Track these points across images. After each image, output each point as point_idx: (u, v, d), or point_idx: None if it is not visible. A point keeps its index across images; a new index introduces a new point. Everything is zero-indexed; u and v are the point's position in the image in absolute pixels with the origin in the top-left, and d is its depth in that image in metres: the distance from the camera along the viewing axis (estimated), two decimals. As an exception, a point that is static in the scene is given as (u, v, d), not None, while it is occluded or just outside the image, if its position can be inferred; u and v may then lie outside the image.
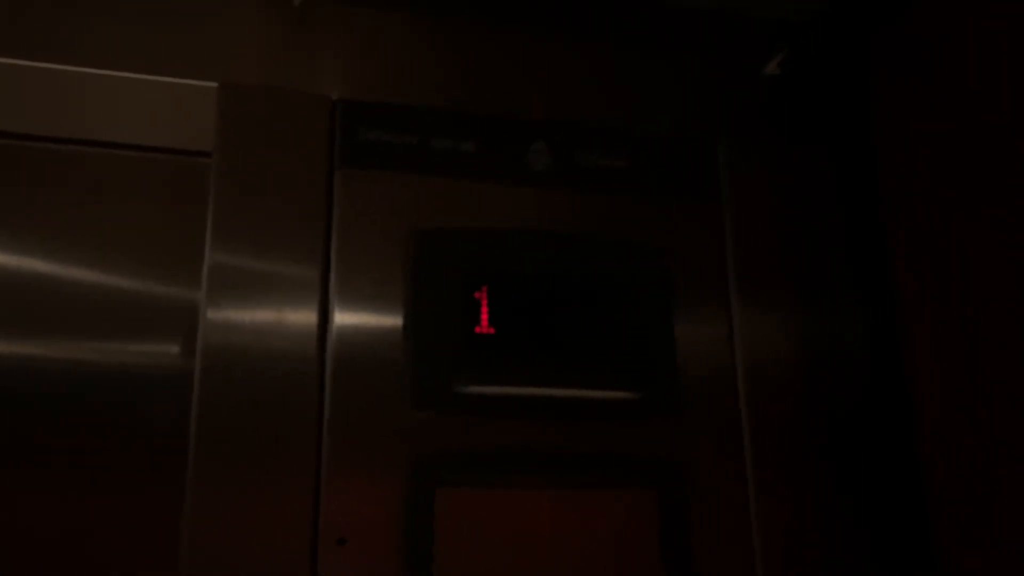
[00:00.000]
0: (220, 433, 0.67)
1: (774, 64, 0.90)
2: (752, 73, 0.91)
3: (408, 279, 0.73)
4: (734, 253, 0.82)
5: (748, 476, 0.76)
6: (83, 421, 0.67)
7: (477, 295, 0.75)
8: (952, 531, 0.73)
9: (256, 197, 0.72)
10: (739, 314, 0.80)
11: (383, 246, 0.74)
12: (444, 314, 0.74)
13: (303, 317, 0.71)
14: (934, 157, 0.77)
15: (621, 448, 0.75)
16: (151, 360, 0.70)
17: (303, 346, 0.70)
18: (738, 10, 0.90)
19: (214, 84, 0.74)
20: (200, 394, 0.67)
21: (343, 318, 0.71)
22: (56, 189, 0.71)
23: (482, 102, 0.83)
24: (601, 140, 0.82)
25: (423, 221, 0.75)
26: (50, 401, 0.67)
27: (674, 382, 0.77)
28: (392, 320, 0.72)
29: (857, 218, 0.85)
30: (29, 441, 0.66)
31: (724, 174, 0.84)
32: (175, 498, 0.65)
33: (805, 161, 0.87)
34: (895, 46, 0.83)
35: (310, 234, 0.73)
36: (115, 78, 0.75)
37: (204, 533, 0.65)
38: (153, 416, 0.68)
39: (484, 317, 0.74)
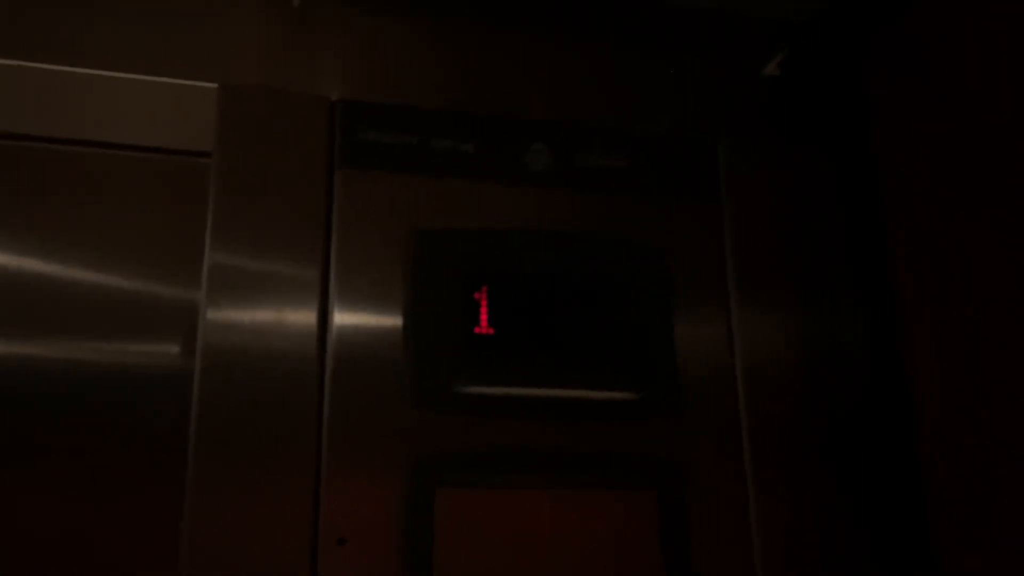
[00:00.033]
0: (220, 433, 0.67)
1: (774, 64, 0.90)
2: (752, 73, 0.91)
3: (408, 279, 0.73)
4: (734, 253, 0.82)
5: (748, 476, 0.76)
6: (83, 421, 0.67)
7: (477, 295, 0.75)
8: (952, 531, 0.73)
9: (256, 197, 0.72)
10: (739, 314, 0.80)
11: (383, 246, 0.74)
12: (444, 314, 0.74)
13: (303, 317, 0.71)
14: (934, 157, 0.77)
15: (621, 448, 0.75)
16: (151, 360, 0.70)
17: (303, 346, 0.70)
18: (738, 10, 0.90)
19: (214, 85, 0.75)
20: (200, 394, 0.67)
21: (343, 318, 0.71)
22: (56, 189, 0.71)
23: (481, 102, 0.83)
24: (601, 140, 0.82)
25: (423, 221, 0.75)
26: (50, 401, 0.67)
27: (674, 382, 0.77)
28: (392, 320, 0.72)
29: (857, 218, 0.85)
30: (29, 441, 0.66)
31: (724, 174, 0.84)
32: (175, 498, 0.65)
33: (805, 161, 0.87)
34: (895, 46, 0.83)
35: (310, 234, 0.73)
36: (115, 79, 0.75)
37: (204, 533, 0.65)
38: (153, 416, 0.69)
39: (484, 317, 0.74)
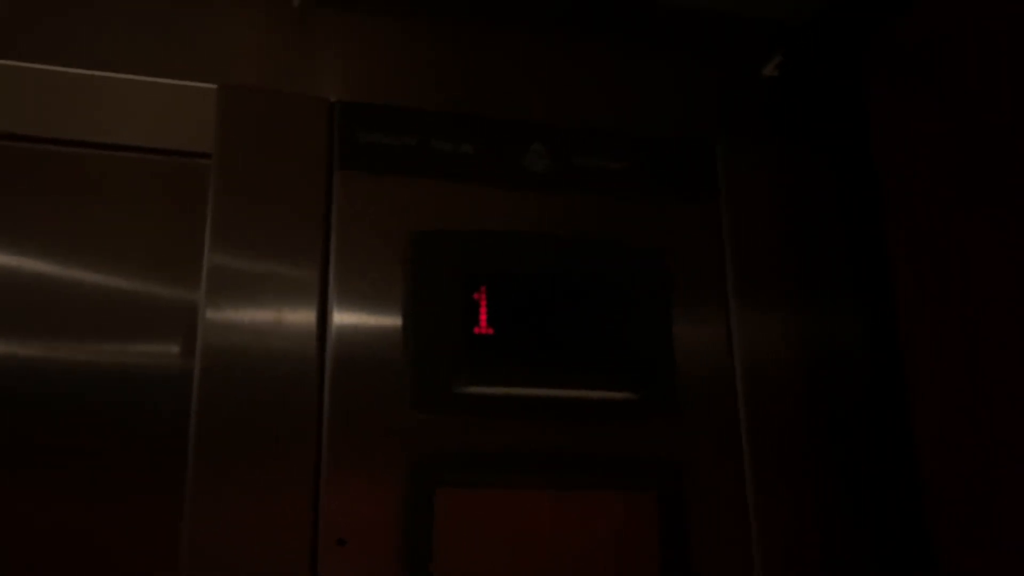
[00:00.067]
0: (220, 433, 0.67)
1: (772, 65, 0.91)
2: (751, 74, 0.91)
3: (407, 280, 0.74)
4: (733, 253, 0.82)
5: (747, 476, 0.76)
6: (83, 421, 0.67)
7: (476, 296, 0.75)
8: (952, 531, 0.72)
9: (255, 198, 0.72)
10: (738, 314, 0.80)
11: (382, 247, 0.74)
12: (443, 315, 0.74)
13: (302, 318, 0.71)
14: (933, 157, 0.77)
15: (621, 448, 0.75)
16: (151, 360, 0.70)
17: (303, 346, 0.70)
18: (736, 11, 0.90)
19: (214, 86, 0.75)
20: (200, 394, 0.67)
21: (342, 319, 0.71)
22: (56, 190, 0.72)
23: (480, 104, 0.83)
24: (599, 141, 0.82)
25: (422, 222, 0.75)
26: (50, 401, 0.67)
27: (673, 382, 0.77)
28: (391, 321, 0.72)
29: (856, 218, 0.85)
30: (29, 441, 0.66)
31: (723, 175, 0.84)
32: (175, 498, 0.66)
33: (804, 161, 0.87)
34: (894, 46, 0.83)
35: (309, 235, 0.73)
36: (115, 80, 0.75)
37: (204, 533, 0.65)
38: (153, 416, 0.69)
39: (483, 318, 0.74)
